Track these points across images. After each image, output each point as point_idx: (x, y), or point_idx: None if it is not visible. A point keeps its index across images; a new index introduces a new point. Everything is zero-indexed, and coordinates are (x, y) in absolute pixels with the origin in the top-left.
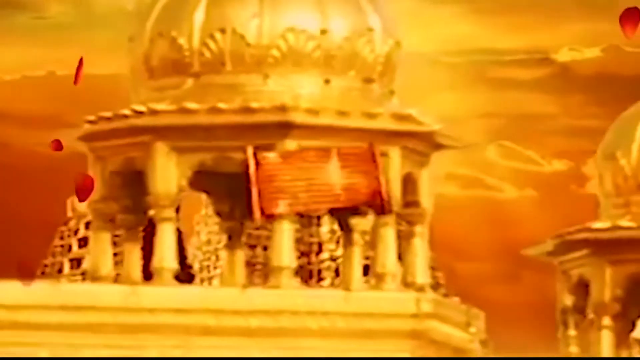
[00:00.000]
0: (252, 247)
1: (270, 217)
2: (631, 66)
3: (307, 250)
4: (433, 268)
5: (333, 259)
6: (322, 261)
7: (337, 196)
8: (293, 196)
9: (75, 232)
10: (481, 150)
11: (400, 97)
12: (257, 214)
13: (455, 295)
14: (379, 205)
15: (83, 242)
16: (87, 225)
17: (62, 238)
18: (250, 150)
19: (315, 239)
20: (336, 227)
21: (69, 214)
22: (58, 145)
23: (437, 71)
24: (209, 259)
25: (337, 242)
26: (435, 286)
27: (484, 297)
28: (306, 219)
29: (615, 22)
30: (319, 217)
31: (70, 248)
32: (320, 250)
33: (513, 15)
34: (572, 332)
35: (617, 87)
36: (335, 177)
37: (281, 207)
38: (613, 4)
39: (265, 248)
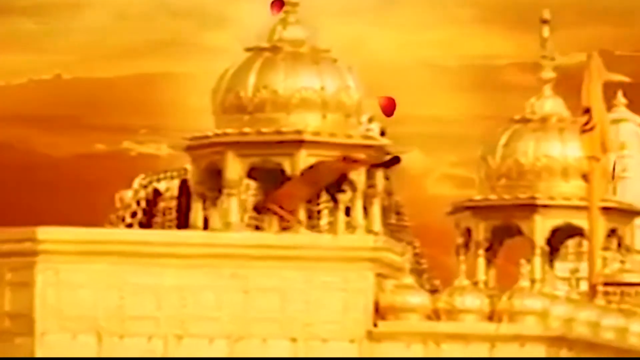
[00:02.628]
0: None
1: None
2: (621, 69)
3: None
4: (418, 254)
5: None
6: None
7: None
8: None
9: (122, 220)
10: (476, 152)
11: (404, 98)
12: None
13: (442, 283)
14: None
15: (129, 228)
16: (132, 215)
17: (110, 224)
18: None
19: (316, 230)
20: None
21: (117, 205)
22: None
23: (436, 75)
24: None
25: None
26: (420, 272)
27: None
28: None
29: (605, 26)
30: (319, 212)
31: None
32: None
33: (507, 20)
34: (462, 258)
35: (607, 89)
36: None
37: None
38: (603, 9)
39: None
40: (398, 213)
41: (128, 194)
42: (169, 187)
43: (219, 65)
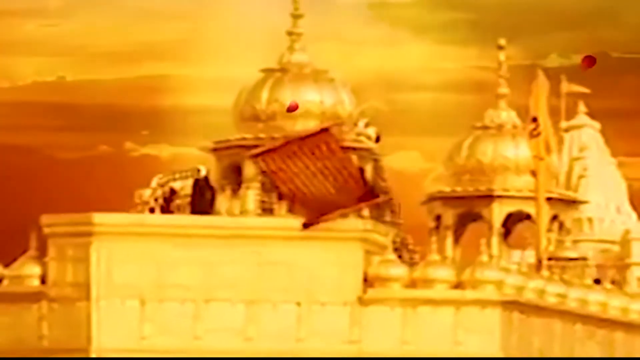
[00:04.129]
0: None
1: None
2: (615, 71)
3: None
4: (411, 250)
5: None
6: None
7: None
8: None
9: None
10: None
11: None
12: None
13: None
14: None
15: None
16: (150, 211)
17: None
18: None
19: None
20: None
21: (137, 201)
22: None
23: (431, 78)
24: None
25: None
26: (412, 265)
27: None
28: None
29: (601, 29)
30: None
31: None
32: None
33: (501, 22)
34: (434, 238)
35: (569, 99)
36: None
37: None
38: (599, 12)
39: None
40: (393, 212)
41: (147, 192)
42: (184, 185)
43: (218, 67)
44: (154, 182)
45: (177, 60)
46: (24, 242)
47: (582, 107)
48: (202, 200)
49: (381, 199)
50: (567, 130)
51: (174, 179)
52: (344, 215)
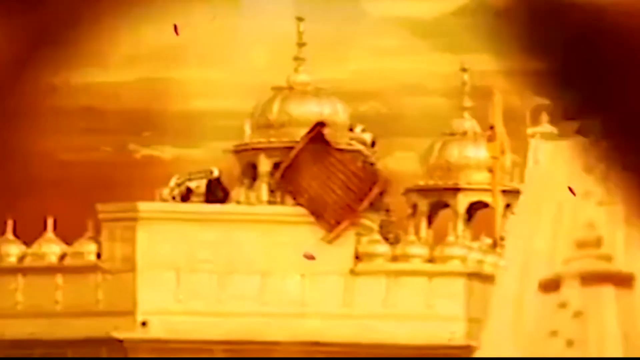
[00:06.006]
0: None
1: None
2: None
3: None
4: (396, 240)
5: None
6: None
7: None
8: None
9: None
10: None
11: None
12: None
13: None
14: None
15: None
16: None
17: None
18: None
19: None
20: None
21: (157, 199)
22: None
23: (433, 82)
24: None
25: None
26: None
27: None
28: None
29: None
30: None
31: None
32: None
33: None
34: (411, 223)
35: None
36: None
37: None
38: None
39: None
40: (387, 211)
41: (165, 192)
42: (199, 185)
43: (220, 71)
44: (172, 182)
45: (180, 63)
46: (27, 234)
47: (544, 115)
48: (214, 198)
49: (380, 185)
50: (531, 136)
51: (190, 179)
52: (357, 217)
